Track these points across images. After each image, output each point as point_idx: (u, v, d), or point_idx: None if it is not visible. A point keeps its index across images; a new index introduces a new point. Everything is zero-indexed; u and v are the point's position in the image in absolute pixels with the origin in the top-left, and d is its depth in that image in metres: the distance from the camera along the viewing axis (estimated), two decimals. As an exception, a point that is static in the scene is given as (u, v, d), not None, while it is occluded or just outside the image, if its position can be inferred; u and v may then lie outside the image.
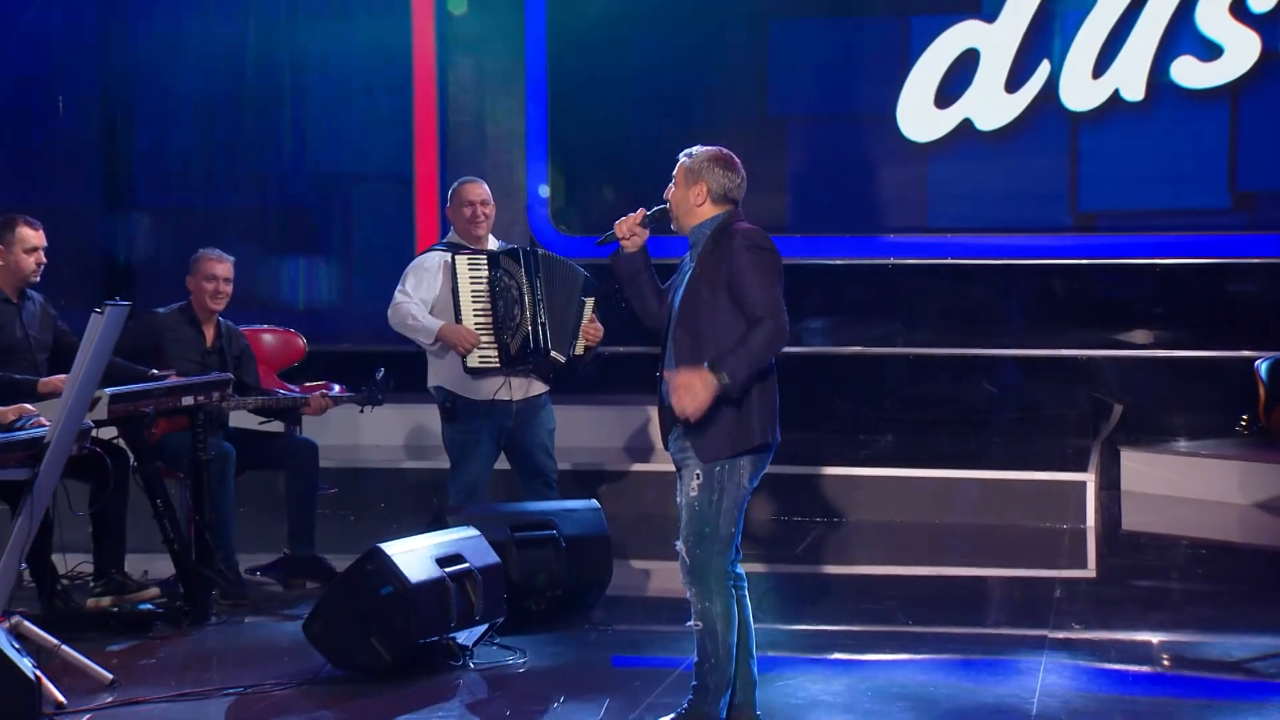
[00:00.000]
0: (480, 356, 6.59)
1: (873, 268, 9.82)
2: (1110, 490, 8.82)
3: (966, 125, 9.68)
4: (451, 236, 6.82)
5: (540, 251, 6.70)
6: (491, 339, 6.58)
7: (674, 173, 4.83)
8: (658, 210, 4.86)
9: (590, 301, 6.69)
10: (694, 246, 4.81)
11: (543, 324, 6.58)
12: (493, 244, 6.82)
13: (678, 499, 4.86)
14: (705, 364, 4.60)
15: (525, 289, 6.57)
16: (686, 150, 4.85)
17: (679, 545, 4.78)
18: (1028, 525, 8.23)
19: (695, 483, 4.73)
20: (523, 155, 10.04)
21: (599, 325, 6.70)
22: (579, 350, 6.68)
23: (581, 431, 8.93)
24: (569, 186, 10.21)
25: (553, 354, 6.61)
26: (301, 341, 7.84)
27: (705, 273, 4.70)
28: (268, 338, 7.75)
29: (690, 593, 4.76)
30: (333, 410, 7.10)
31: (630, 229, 4.85)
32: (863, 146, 9.92)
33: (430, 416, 8.91)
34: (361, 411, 7.16)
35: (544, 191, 10.03)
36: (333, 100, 10.36)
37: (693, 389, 4.58)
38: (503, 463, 6.85)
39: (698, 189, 4.78)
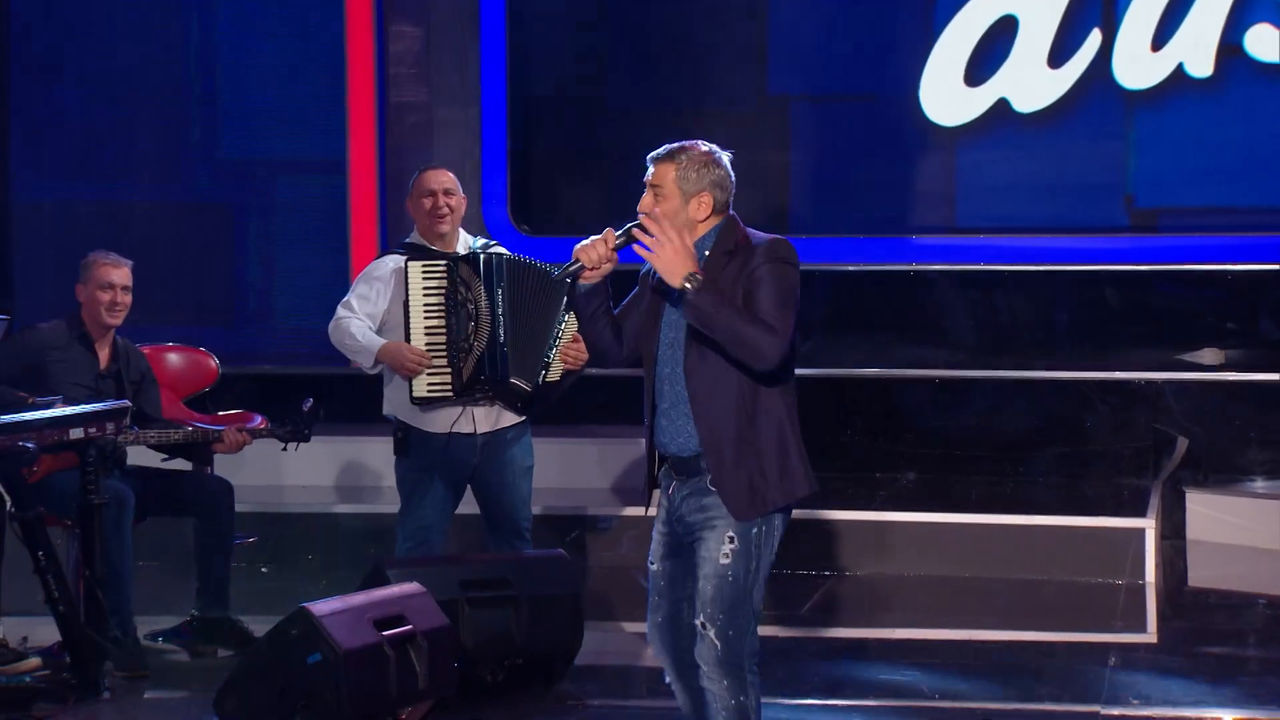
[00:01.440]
0: (430, 384, 6.57)
1: (891, 275, 9.83)
2: (1174, 539, 8.83)
3: (1002, 106, 9.70)
4: (413, 236, 6.83)
5: (507, 256, 6.67)
6: (444, 362, 6.56)
7: (654, 180, 4.69)
8: (634, 228, 4.68)
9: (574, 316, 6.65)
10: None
11: (502, 345, 6.56)
12: (465, 244, 6.81)
13: (652, 563, 4.79)
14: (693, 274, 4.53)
15: (483, 302, 6.55)
16: (664, 152, 4.71)
17: (701, 626, 4.64)
18: (1076, 580, 8.22)
19: (728, 548, 4.64)
20: (477, 140, 10.04)
21: (584, 345, 6.53)
22: (553, 375, 6.66)
23: (550, 468, 8.85)
24: (533, 178, 10.20)
25: (513, 381, 6.58)
26: (213, 363, 7.81)
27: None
28: (173, 358, 7.72)
29: (720, 685, 4.64)
30: (251, 445, 7.06)
31: (604, 256, 4.69)
32: (879, 131, 9.95)
33: (367, 452, 8.96)
34: (285, 448, 7.13)
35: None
36: (250, 75, 10.35)
37: (675, 252, 4.55)
38: (472, 505, 6.87)
39: (701, 200, 4.69)
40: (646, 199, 4.71)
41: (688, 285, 4.52)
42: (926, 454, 9.63)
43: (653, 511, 4.87)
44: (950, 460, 9.57)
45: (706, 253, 4.69)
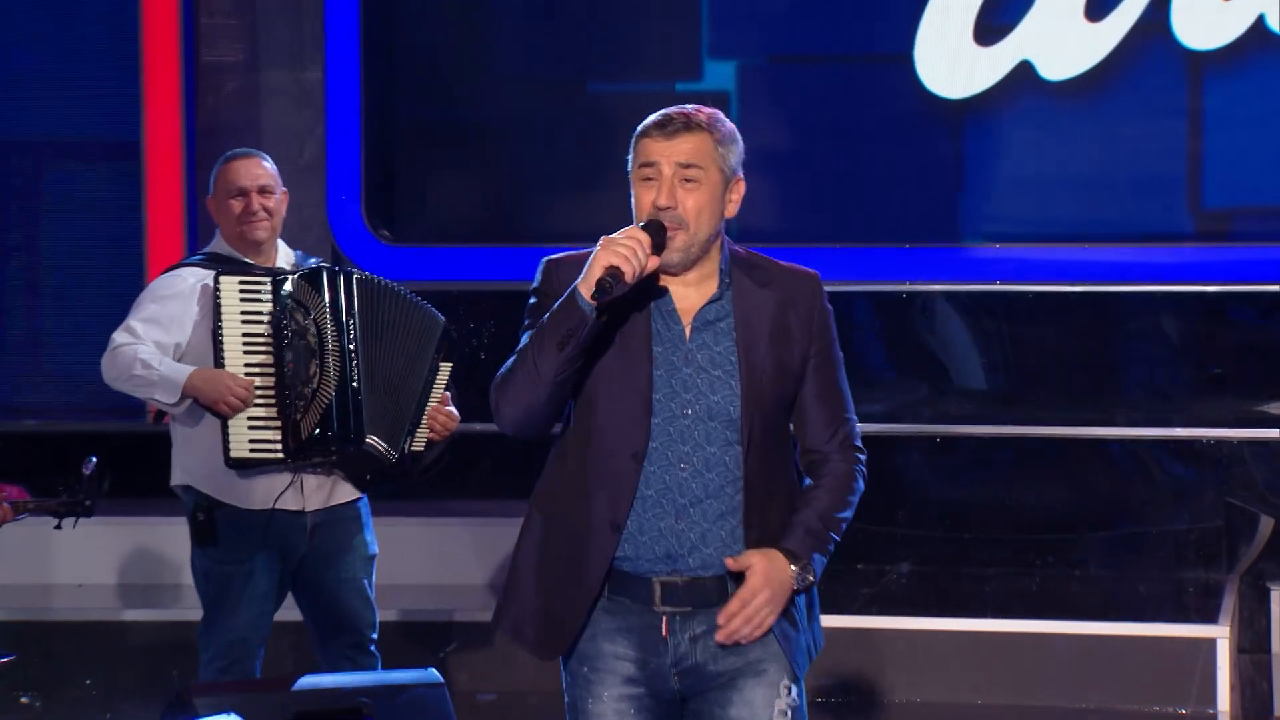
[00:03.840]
0: (254, 441, 6.53)
1: (877, 298, 9.88)
2: (1255, 653, 8.88)
3: (1025, 72, 9.73)
4: (217, 244, 6.81)
5: (360, 274, 6.67)
6: (273, 412, 6.53)
7: (686, 157, 4.52)
8: (654, 227, 4.51)
9: (447, 368, 6.67)
10: (684, 290, 4.61)
11: (356, 390, 6.52)
12: (285, 258, 6.79)
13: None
14: (781, 552, 4.55)
15: (329, 333, 6.54)
16: (684, 119, 4.54)
17: None
18: (1128, 709, 8.28)
19: (785, 702, 4.60)
20: (320, 115, 10.06)
21: (454, 411, 6.65)
22: (417, 444, 6.66)
23: (414, 559, 8.96)
24: (397, 167, 10.22)
25: (370, 441, 6.57)
26: (-46, 417, 7.75)
27: (768, 345, 4.57)
28: (-99, 410, 7.65)
29: None
30: (9, 527, 6.96)
31: (644, 262, 4.42)
32: (860, 106, 10.00)
33: (166, 537, 8.98)
34: (58, 526, 7.03)
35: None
36: (8, 28, 10.29)
37: (773, 603, 4.54)
38: (293, 610, 6.82)
39: (737, 188, 4.62)
40: (669, 190, 4.53)
41: (800, 584, 4.57)
42: (925, 537, 9.63)
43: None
44: (957, 546, 9.57)
45: (728, 280, 4.61)
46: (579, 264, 4.49)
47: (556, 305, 4.46)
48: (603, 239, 4.43)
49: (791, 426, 4.72)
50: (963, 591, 9.19)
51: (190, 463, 6.65)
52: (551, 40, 10.14)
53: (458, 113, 10.20)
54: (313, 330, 6.53)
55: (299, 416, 6.52)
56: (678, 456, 4.55)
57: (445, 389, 6.68)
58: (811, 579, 4.54)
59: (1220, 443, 9.49)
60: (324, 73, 10.02)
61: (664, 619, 4.58)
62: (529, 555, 4.69)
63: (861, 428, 9.36)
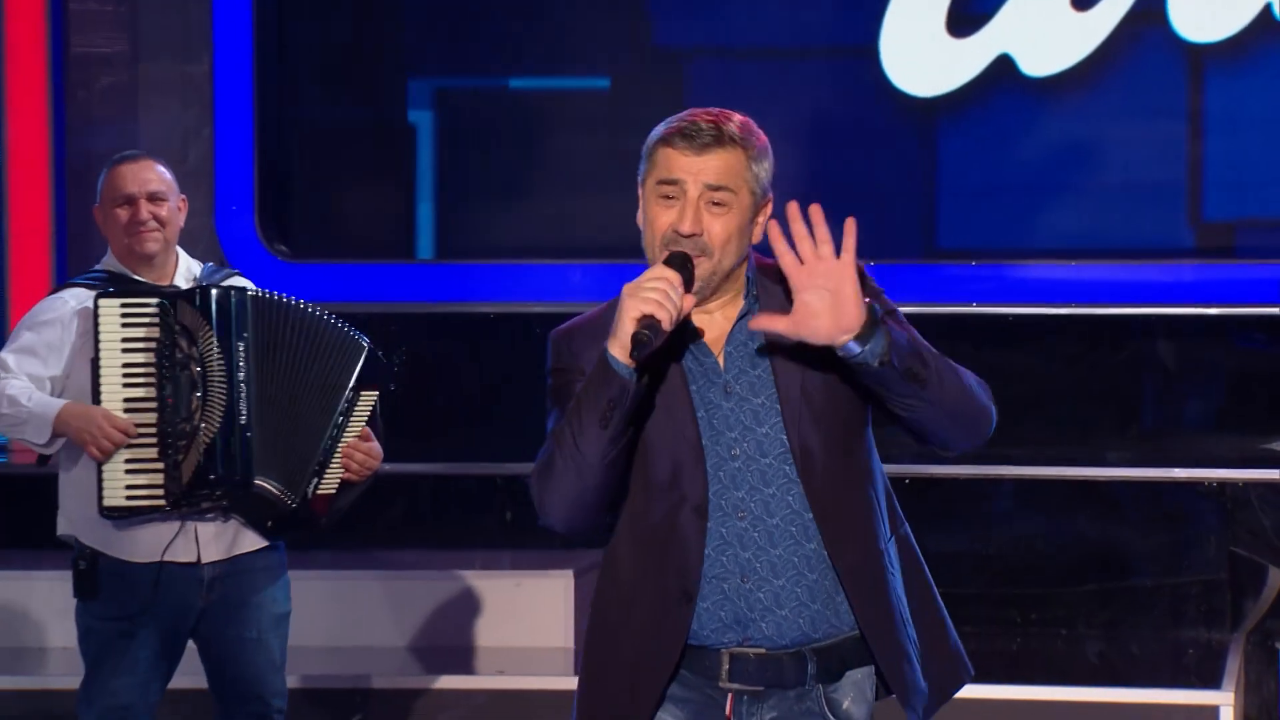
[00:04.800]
0: (132, 486, 6.47)
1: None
2: (1262, 720, 8.86)
3: (1004, 67, 9.77)
4: (108, 261, 6.82)
5: (258, 292, 6.63)
6: (154, 454, 6.48)
7: (715, 177, 4.33)
8: (679, 260, 4.32)
9: (371, 398, 6.61)
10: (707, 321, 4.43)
11: (244, 428, 6.48)
12: (185, 273, 6.75)
13: None
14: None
15: (214, 362, 6.47)
16: (716, 129, 4.35)
17: None
18: (1123, 784, 8.23)
19: None
20: (208, 113, 10.03)
21: (376, 446, 6.59)
22: (327, 487, 6.59)
23: (320, 617, 8.89)
24: (294, 173, 10.21)
25: (260, 484, 6.51)
26: None
27: (811, 353, 4.34)
28: None
29: None
30: None
31: (680, 304, 4.23)
32: (819, 105, 10.03)
33: (31, 594, 8.91)
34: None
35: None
36: None
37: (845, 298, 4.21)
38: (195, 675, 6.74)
39: (766, 211, 4.40)
40: (695, 215, 4.34)
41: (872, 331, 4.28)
42: (901, 593, 9.59)
43: None
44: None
45: (755, 295, 4.42)
46: (593, 328, 4.37)
47: (587, 378, 4.28)
48: (625, 287, 4.22)
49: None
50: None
51: (72, 509, 6.59)
52: (471, 32, 10.09)
53: (366, 112, 10.17)
54: (196, 360, 6.45)
55: (180, 458, 6.45)
56: (733, 505, 4.39)
57: (369, 422, 6.60)
58: (879, 319, 4.28)
59: (1224, 484, 9.43)
60: (212, 66, 10.01)
61: (729, 697, 4.43)
62: (604, 646, 4.53)
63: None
